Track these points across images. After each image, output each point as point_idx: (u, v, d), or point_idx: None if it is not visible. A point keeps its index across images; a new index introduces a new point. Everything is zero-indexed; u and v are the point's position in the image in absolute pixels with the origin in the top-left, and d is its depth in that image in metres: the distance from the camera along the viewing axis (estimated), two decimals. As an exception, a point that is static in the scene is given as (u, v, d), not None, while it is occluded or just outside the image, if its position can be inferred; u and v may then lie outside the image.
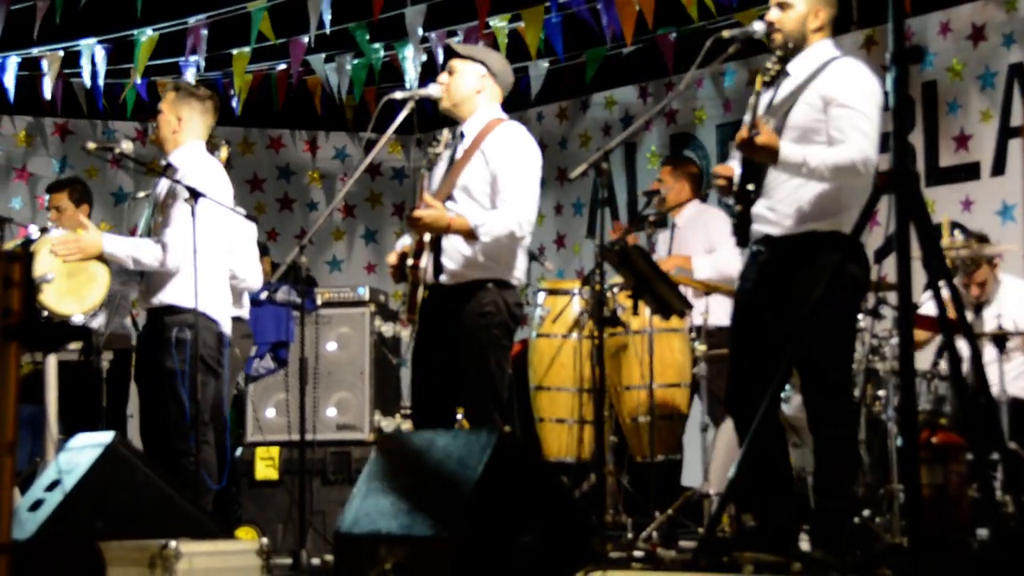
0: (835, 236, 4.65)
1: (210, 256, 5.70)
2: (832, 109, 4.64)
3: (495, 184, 5.26)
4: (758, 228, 4.82)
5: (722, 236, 7.01)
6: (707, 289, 6.81)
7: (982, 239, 6.94)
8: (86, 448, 4.88)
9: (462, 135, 5.47)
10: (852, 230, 4.09)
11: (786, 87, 4.85)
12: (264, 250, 6.90)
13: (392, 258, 5.44)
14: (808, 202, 4.70)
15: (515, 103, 10.63)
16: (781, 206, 4.76)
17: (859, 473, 4.79)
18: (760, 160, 4.71)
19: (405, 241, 5.48)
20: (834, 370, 4.66)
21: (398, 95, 5.51)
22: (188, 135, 5.91)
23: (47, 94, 9.89)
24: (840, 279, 4.52)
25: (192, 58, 9.62)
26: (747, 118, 4.69)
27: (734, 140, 4.65)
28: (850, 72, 4.71)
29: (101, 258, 5.77)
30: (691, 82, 5.38)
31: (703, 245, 7.25)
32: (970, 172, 8.37)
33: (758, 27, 4.87)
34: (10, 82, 9.90)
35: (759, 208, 4.79)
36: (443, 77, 5.49)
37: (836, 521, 4.68)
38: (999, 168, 8.24)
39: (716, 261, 7.10)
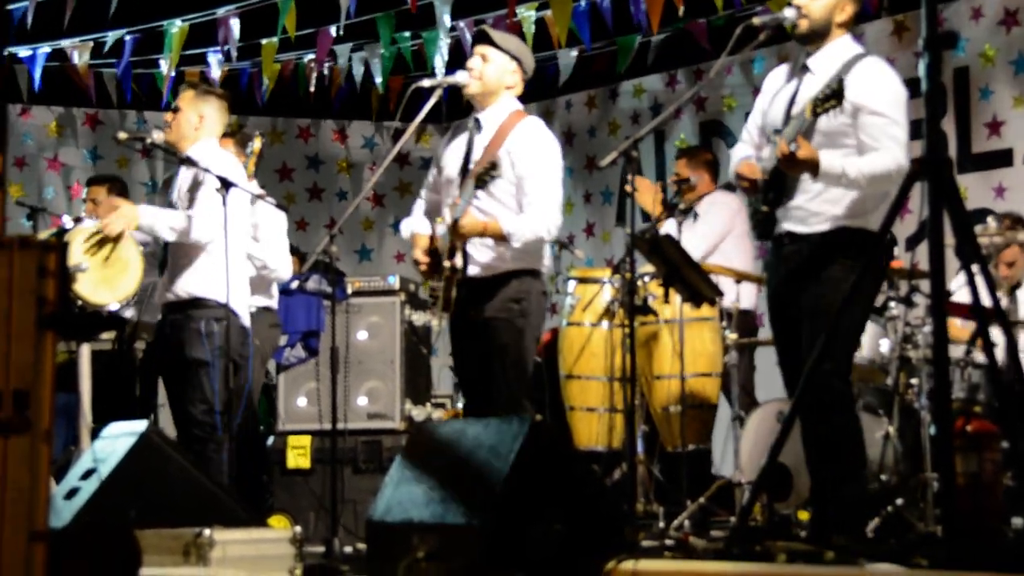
0: (862, 233, 4.65)
1: (232, 247, 5.71)
2: (863, 116, 4.64)
3: (521, 187, 5.31)
4: (786, 226, 4.82)
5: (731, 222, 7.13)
6: (738, 277, 6.80)
7: (1017, 220, 6.91)
8: (120, 437, 4.91)
9: (478, 124, 5.47)
10: (883, 223, 4.08)
11: (809, 85, 4.82)
12: (293, 250, 6.91)
13: (422, 255, 5.44)
14: (835, 202, 4.72)
15: (544, 91, 10.66)
16: (809, 204, 4.76)
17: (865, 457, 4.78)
18: (800, 173, 4.73)
19: (416, 230, 5.48)
20: (845, 359, 4.66)
21: (426, 83, 5.51)
22: (206, 132, 5.94)
23: (73, 83, 9.94)
24: (866, 276, 4.52)
25: (223, 49, 9.63)
26: (787, 132, 4.68)
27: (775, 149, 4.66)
28: (878, 76, 4.69)
29: (135, 249, 5.80)
30: (721, 69, 5.36)
31: (718, 231, 7.29)
32: (1003, 159, 8.32)
33: (789, 14, 4.85)
34: (40, 73, 9.95)
35: (793, 208, 4.79)
36: (474, 63, 5.47)
37: (855, 507, 4.68)
38: (1032, 155, 8.20)
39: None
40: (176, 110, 5.96)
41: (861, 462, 4.70)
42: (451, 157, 5.45)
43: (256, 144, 6.49)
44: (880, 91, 4.65)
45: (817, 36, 4.82)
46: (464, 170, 5.39)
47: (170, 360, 5.82)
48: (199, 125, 5.92)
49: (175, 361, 5.76)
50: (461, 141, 5.47)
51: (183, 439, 5.68)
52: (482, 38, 5.50)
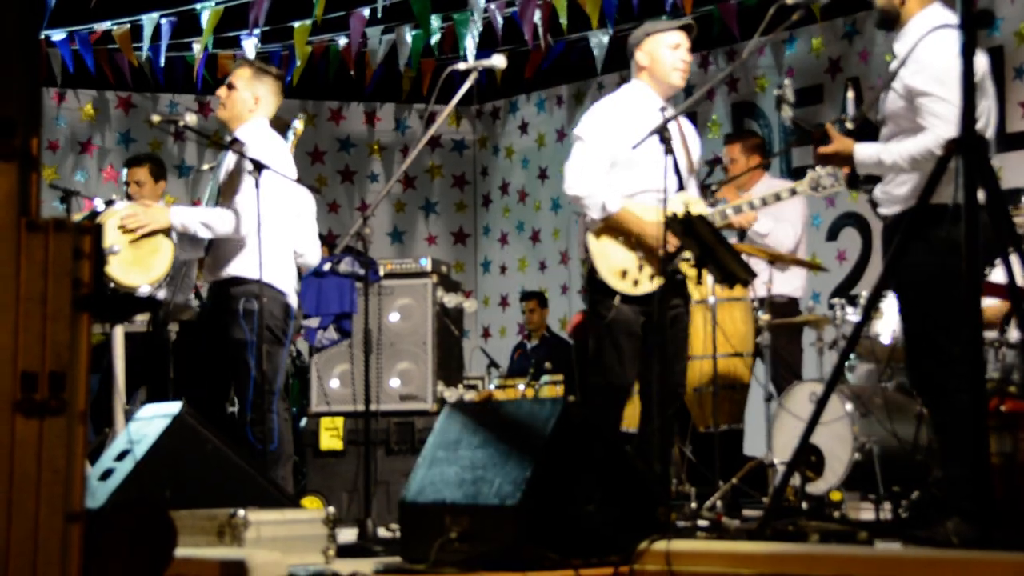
0: (934, 209, 4.60)
1: (275, 228, 5.74)
2: (916, 100, 4.61)
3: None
4: (880, 211, 4.84)
5: (786, 209, 7.12)
6: (771, 258, 6.79)
7: None
8: (155, 418, 4.94)
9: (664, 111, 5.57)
10: (920, 197, 4.06)
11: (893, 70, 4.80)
12: (322, 236, 6.93)
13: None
14: (902, 184, 4.70)
15: (576, 73, 10.64)
16: (887, 188, 4.76)
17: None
18: (839, 165, 4.89)
19: (630, 208, 5.51)
20: (946, 339, 4.58)
21: (461, 66, 5.51)
22: (260, 113, 5.95)
23: (112, 68, 9.98)
24: (945, 249, 4.48)
25: (254, 31, 9.65)
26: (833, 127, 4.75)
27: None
28: (927, 55, 4.63)
29: (167, 230, 5.83)
30: (754, 50, 5.36)
31: (803, 218, 7.38)
32: (1039, 138, 8.27)
33: (821, -5, 4.82)
34: (73, 57, 10.00)
35: (876, 192, 4.80)
36: (686, 56, 5.62)
37: (964, 489, 4.61)
38: (1069, 134, 8.14)
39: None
40: (231, 87, 5.94)
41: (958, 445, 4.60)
42: (646, 141, 5.31)
43: (299, 126, 6.49)
44: (926, 70, 4.60)
45: (891, 21, 4.77)
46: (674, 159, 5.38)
47: (213, 341, 5.85)
48: (254, 106, 5.93)
49: (218, 342, 5.80)
50: (639, 120, 5.42)
51: (227, 421, 5.73)
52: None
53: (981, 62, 4.62)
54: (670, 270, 5.24)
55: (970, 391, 3.76)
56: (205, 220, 5.73)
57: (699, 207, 5.41)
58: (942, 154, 3.91)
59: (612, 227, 5.56)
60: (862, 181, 4.96)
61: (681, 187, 5.50)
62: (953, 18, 4.70)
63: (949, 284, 4.47)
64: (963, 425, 4.56)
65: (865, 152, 4.69)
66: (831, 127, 4.76)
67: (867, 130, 4.77)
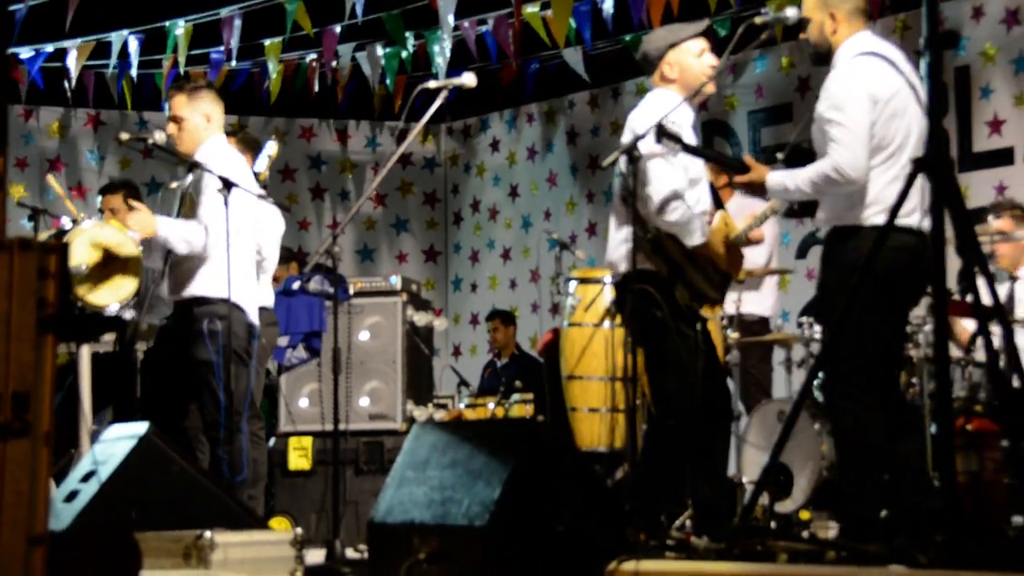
0: (848, 229, 4.66)
1: (239, 246, 5.70)
2: (823, 127, 4.66)
3: None
4: (818, 234, 4.91)
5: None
6: (744, 275, 6.82)
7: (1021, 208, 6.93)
8: (121, 439, 4.91)
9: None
10: (888, 216, 4.08)
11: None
12: (293, 253, 6.90)
13: None
14: (831, 204, 4.74)
15: (547, 91, 10.67)
16: (819, 211, 4.80)
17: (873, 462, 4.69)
18: (755, 193, 4.87)
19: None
20: (843, 357, 4.62)
21: (432, 84, 5.50)
22: (214, 129, 5.93)
23: (79, 86, 9.95)
24: (848, 269, 4.54)
25: (226, 49, 9.64)
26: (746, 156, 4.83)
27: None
28: (828, 85, 4.72)
29: (134, 250, 5.80)
30: (723, 69, 5.36)
31: (775, 235, 7.44)
32: (1004, 157, 8.33)
33: (791, 13, 4.84)
34: (42, 74, 9.96)
35: (818, 214, 4.84)
36: (713, 60, 5.36)
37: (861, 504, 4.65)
38: (1034, 153, 8.20)
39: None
40: (177, 120, 5.90)
41: (863, 467, 4.63)
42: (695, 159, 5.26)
43: (273, 150, 6.45)
44: (827, 98, 4.69)
45: (824, 55, 4.81)
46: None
47: (177, 361, 5.82)
48: (208, 125, 5.90)
49: (182, 362, 5.77)
50: (689, 133, 5.19)
51: (191, 441, 5.69)
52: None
53: (893, 82, 4.65)
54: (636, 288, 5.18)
55: (937, 410, 3.77)
56: (187, 237, 5.69)
57: (733, 225, 5.37)
58: (911, 169, 3.93)
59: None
60: (798, 211, 5.02)
61: (720, 205, 5.41)
62: (879, 44, 4.76)
63: (847, 300, 4.53)
64: (848, 443, 4.60)
65: (774, 179, 4.78)
66: (748, 157, 4.85)
67: (805, 159, 4.80)
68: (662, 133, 4.87)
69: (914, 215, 4.53)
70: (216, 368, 5.61)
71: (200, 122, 5.87)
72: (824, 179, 4.62)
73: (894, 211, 3.99)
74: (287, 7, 9.21)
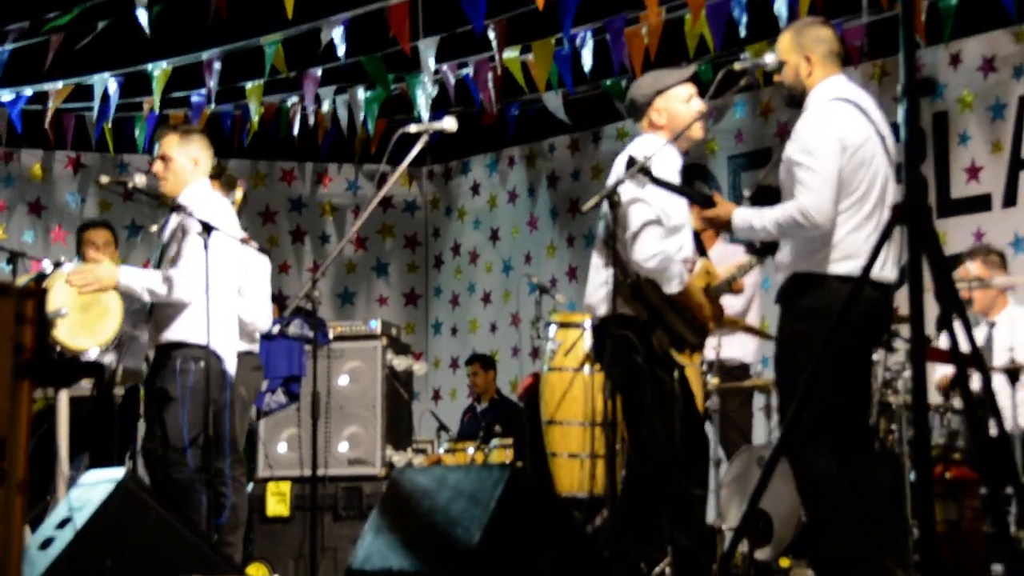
0: (808, 276, 4.68)
1: (219, 292, 5.68)
2: (792, 169, 4.69)
3: None
4: (777, 276, 4.90)
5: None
6: (723, 323, 6.81)
7: (1000, 255, 6.97)
8: (97, 485, 4.88)
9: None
10: (864, 265, 4.10)
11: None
12: (274, 297, 6.88)
13: None
14: (792, 248, 4.76)
15: (527, 135, 10.70)
16: (781, 254, 4.82)
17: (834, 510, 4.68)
18: (721, 229, 4.95)
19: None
20: (800, 405, 4.63)
21: (412, 128, 5.51)
22: (200, 173, 5.92)
23: (56, 126, 9.96)
24: (806, 316, 4.56)
25: (207, 92, 9.66)
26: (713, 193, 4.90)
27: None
28: (799, 128, 4.75)
29: (115, 293, 5.78)
30: (705, 113, 5.38)
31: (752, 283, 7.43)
32: (982, 204, 8.37)
33: (770, 59, 4.87)
34: (22, 117, 9.96)
35: (778, 256, 4.86)
36: (700, 106, 5.36)
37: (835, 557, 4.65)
38: (1011, 199, 8.24)
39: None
40: (166, 159, 5.90)
41: (827, 515, 4.63)
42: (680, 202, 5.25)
43: (238, 194, 6.46)
44: (797, 142, 4.72)
45: (798, 98, 4.85)
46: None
47: (149, 398, 5.81)
48: (194, 168, 5.89)
49: (152, 397, 5.75)
50: (676, 178, 5.22)
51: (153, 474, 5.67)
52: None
53: (863, 130, 4.69)
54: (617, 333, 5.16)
55: (916, 458, 3.77)
56: (149, 286, 5.66)
57: (715, 273, 5.37)
58: (889, 218, 3.95)
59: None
60: (759, 250, 5.02)
61: (703, 253, 5.41)
62: (852, 90, 4.80)
63: (805, 349, 4.56)
64: (808, 489, 4.60)
65: (740, 216, 4.80)
66: (717, 194, 4.90)
67: (771, 199, 4.83)
68: (632, 165, 4.90)
69: (873, 266, 4.57)
70: (177, 405, 5.58)
71: (187, 164, 5.86)
72: (790, 221, 4.64)
73: (869, 263, 3.99)
74: (266, 49, 9.23)
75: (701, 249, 5.36)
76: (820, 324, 4.57)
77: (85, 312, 5.76)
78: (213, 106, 9.96)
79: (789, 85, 4.86)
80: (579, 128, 10.59)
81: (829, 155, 4.61)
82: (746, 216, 4.78)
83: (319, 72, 9.59)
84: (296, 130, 10.23)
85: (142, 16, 8.89)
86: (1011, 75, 8.31)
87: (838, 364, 4.53)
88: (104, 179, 6.05)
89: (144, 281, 5.69)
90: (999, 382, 6.11)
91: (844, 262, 4.62)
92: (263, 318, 6.46)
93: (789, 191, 4.71)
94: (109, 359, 6.66)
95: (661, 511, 5.06)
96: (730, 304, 7.25)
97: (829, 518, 4.54)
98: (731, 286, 5.40)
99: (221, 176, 6.73)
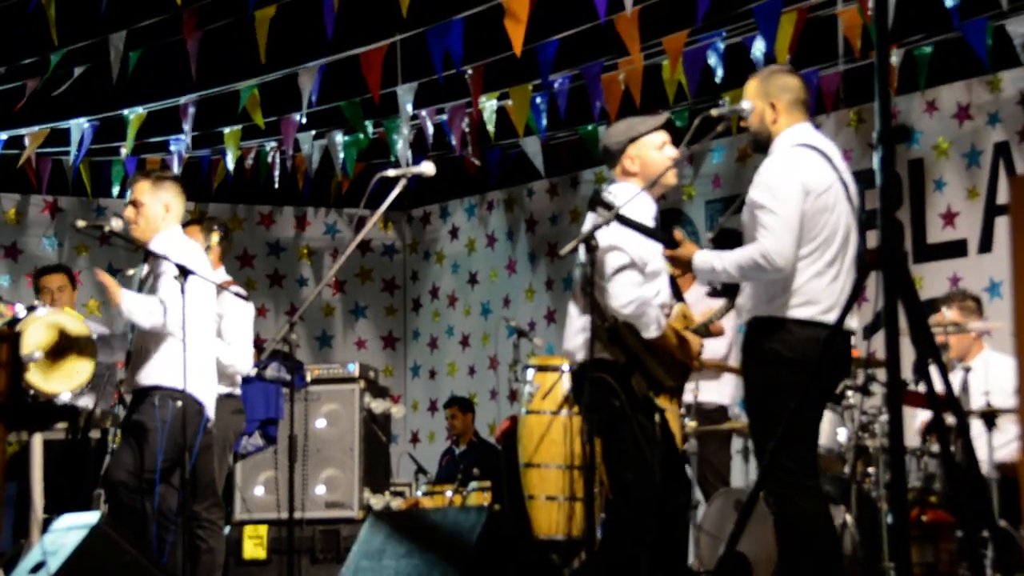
0: (769, 321, 4.71)
1: (196, 336, 5.66)
2: (754, 212, 4.72)
3: None
4: (737, 320, 4.93)
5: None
6: (701, 366, 6.82)
7: (975, 300, 7.02)
8: (71, 529, 4.85)
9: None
10: (840, 313, 4.12)
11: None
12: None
13: None
14: (752, 292, 4.78)
15: (506, 179, 10.74)
16: (742, 298, 4.85)
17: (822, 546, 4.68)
18: (682, 269, 4.95)
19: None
20: (766, 444, 4.66)
21: (391, 172, 5.53)
22: (172, 220, 5.93)
23: (32, 171, 9.97)
24: (770, 360, 4.58)
25: (185, 137, 9.67)
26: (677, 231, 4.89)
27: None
28: (763, 171, 4.79)
29: (88, 339, 5.77)
30: (682, 160, 5.40)
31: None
32: (957, 249, 8.43)
33: (746, 105, 4.91)
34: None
35: (738, 300, 4.89)
36: (673, 152, 5.34)
37: None
38: (986, 245, 8.29)
39: None
40: (137, 204, 5.90)
41: (815, 556, 4.63)
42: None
43: (214, 239, 6.46)
44: (760, 185, 4.75)
45: (764, 144, 4.89)
46: None
47: (124, 433, 5.79)
48: (166, 214, 5.90)
49: (125, 432, 5.73)
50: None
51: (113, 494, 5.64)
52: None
53: (826, 176, 4.73)
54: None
55: (893, 501, 3.78)
56: (150, 308, 5.65)
57: (692, 317, 5.38)
58: (864, 263, 3.97)
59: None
60: (719, 292, 5.07)
61: (680, 298, 5.42)
62: (816, 137, 4.85)
63: (770, 395, 4.59)
64: (797, 533, 4.60)
65: (701, 258, 4.81)
66: (680, 233, 4.90)
67: (733, 242, 4.86)
68: (596, 201, 4.90)
69: (833, 312, 4.62)
70: (154, 435, 5.56)
71: (159, 211, 5.87)
72: (751, 264, 4.66)
73: (845, 310, 4.01)
74: (242, 94, 9.24)
75: (677, 293, 5.38)
76: (782, 369, 4.61)
77: (59, 356, 5.74)
78: (190, 152, 9.97)
79: (755, 131, 4.90)
80: (558, 173, 10.63)
81: (792, 199, 4.65)
82: (707, 258, 4.80)
83: (297, 117, 9.61)
84: (276, 174, 10.25)
85: (115, 63, 8.89)
86: (986, 122, 8.39)
87: (807, 405, 4.55)
88: (80, 223, 6.05)
89: (144, 303, 5.66)
90: (975, 427, 6.14)
91: (804, 307, 4.65)
92: (244, 362, 6.45)
93: (751, 234, 4.74)
94: (84, 403, 6.62)
95: (641, 555, 5.05)
96: (712, 348, 7.27)
97: (821, 568, 4.54)
98: (708, 329, 5.42)
99: (201, 222, 6.73)
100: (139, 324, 5.70)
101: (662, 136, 5.32)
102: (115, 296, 5.67)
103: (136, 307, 5.66)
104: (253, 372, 6.95)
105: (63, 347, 5.74)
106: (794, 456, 4.53)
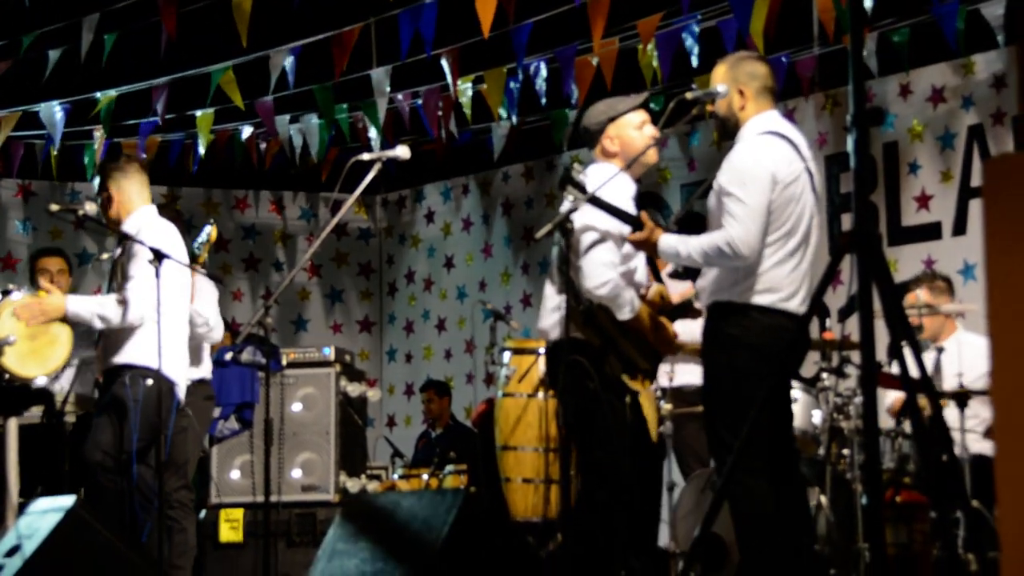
0: (730, 306, 4.73)
1: (170, 318, 5.67)
2: (721, 199, 4.73)
3: None
4: (696, 304, 4.95)
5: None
6: (679, 349, 6.84)
7: (946, 281, 7.06)
8: (47, 512, 4.84)
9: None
10: (813, 296, 4.14)
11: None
12: (226, 324, 6.85)
13: None
14: (712, 278, 4.80)
15: (481, 163, 10.73)
16: (703, 280, 4.87)
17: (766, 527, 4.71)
18: (647, 252, 4.97)
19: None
20: (722, 429, 4.69)
21: (365, 156, 5.52)
22: (141, 202, 5.95)
23: (4, 154, 9.90)
24: (730, 345, 4.62)
25: (157, 119, 9.62)
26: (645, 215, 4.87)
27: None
28: (731, 158, 4.80)
29: (64, 319, 5.75)
30: (661, 142, 5.41)
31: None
32: (932, 232, 8.46)
33: (721, 89, 4.91)
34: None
35: (698, 283, 4.91)
36: (653, 131, 5.32)
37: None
38: (960, 228, 8.33)
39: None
40: (104, 190, 5.94)
41: (757, 536, 4.66)
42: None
43: (212, 233, 6.44)
44: (728, 171, 4.76)
45: (731, 131, 4.90)
46: None
47: (97, 412, 5.78)
48: (135, 198, 5.93)
49: (99, 411, 5.73)
50: (629, 206, 5.15)
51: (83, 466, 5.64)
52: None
53: (794, 166, 4.74)
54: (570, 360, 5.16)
55: (867, 482, 3.80)
56: (100, 312, 5.66)
57: (669, 298, 5.39)
58: (838, 245, 3.99)
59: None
60: (681, 273, 5.08)
61: (658, 278, 5.42)
62: (784, 126, 4.86)
63: (730, 378, 4.62)
64: (740, 513, 4.64)
65: (667, 242, 4.82)
66: (646, 215, 4.87)
67: (697, 226, 4.87)
68: (566, 181, 4.89)
69: (794, 300, 4.67)
70: (128, 413, 5.55)
71: (124, 200, 5.90)
72: (715, 251, 4.68)
73: (817, 296, 4.02)
74: (213, 77, 9.20)
75: (656, 274, 5.38)
76: (742, 352, 4.63)
77: (34, 340, 5.72)
78: (162, 135, 9.93)
79: (722, 116, 4.91)
80: (533, 156, 10.63)
81: (760, 187, 4.66)
82: (672, 242, 4.80)
83: (270, 100, 9.57)
84: (254, 157, 10.22)
85: (86, 43, 8.84)
86: (960, 105, 8.42)
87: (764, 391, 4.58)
88: (54, 207, 6.05)
89: (94, 308, 5.68)
90: (948, 407, 6.17)
91: (766, 294, 4.68)
92: (219, 329, 6.42)
93: (717, 219, 4.75)
94: (61, 385, 6.61)
95: (614, 536, 5.07)
96: (690, 330, 7.27)
97: (762, 548, 4.57)
98: (688, 311, 5.43)
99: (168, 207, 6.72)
100: (92, 327, 5.71)
101: (641, 115, 5.33)
102: (60, 309, 5.67)
103: (85, 311, 5.66)
104: (228, 356, 6.94)
105: (38, 332, 5.72)
106: (753, 443, 4.56)
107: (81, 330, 6.09)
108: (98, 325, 5.70)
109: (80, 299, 5.80)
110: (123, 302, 5.65)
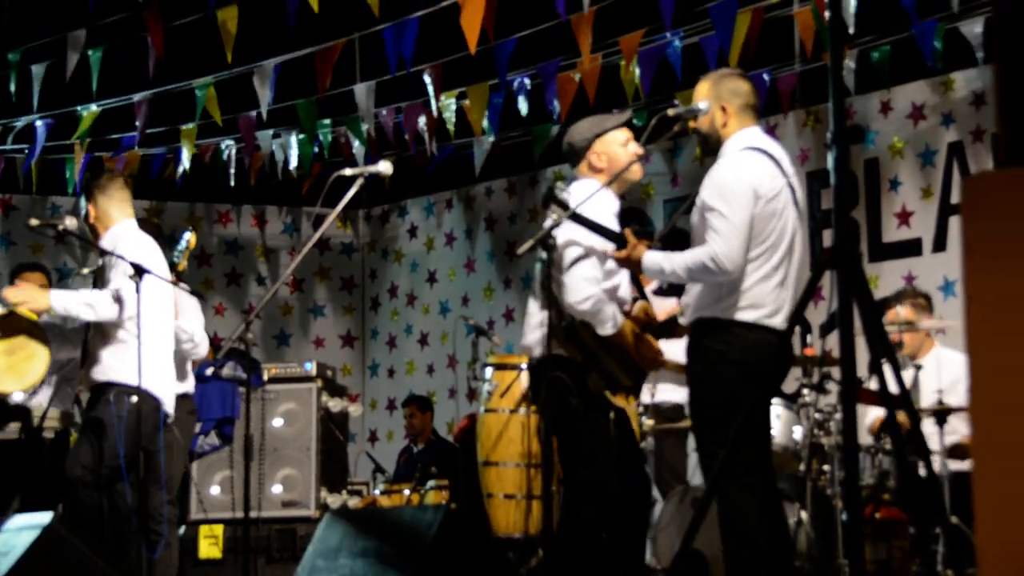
0: (714, 322, 4.73)
1: (153, 333, 5.66)
2: (704, 214, 4.74)
3: None
4: (680, 320, 4.96)
5: None
6: (662, 366, 6.84)
7: (926, 297, 7.08)
8: (23, 530, 4.81)
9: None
10: (793, 311, 4.15)
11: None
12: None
13: None
14: (696, 294, 4.81)
15: (464, 178, 10.74)
16: (687, 297, 4.87)
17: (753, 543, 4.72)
18: (631, 269, 4.96)
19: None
20: (712, 444, 4.69)
21: (348, 171, 5.52)
22: (122, 215, 5.95)
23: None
24: (713, 359, 4.64)
25: (139, 134, 9.61)
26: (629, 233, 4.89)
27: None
28: (713, 174, 4.81)
29: (42, 337, 5.74)
30: (645, 157, 5.41)
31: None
32: (912, 248, 8.49)
33: (703, 106, 4.92)
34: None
35: (683, 299, 4.92)
36: (637, 148, 5.35)
37: None
38: (940, 244, 8.36)
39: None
40: (88, 205, 5.95)
41: (744, 550, 4.67)
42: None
43: (191, 240, 6.43)
44: (710, 187, 4.77)
45: (713, 147, 4.91)
46: None
47: (82, 430, 5.77)
48: (115, 213, 5.94)
49: (83, 429, 5.71)
50: (613, 223, 5.19)
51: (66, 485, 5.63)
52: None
53: (776, 181, 4.75)
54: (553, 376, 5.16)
55: (847, 498, 3.80)
56: (88, 301, 5.64)
57: (653, 314, 5.39)
58: (819, 261, 4.00)
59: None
60: (666, 290, 5.09)
61: (642, 295, 5.42)
62: (767, 142, 4.88)
63: (714, 394, 4.63)
64: (732, 532, 4.64)
65: (651, 259, 4.83)
66: (630, 232, 4.87)
67: (681, 242, 4.88)
68: (550, 198, 4.90)
69: (777, 316, 4.67)
70: (112, 432, 5.54)
71: (104, 216, 5.91)
72: (699, 267, 4.68)
73: (798, 311, 4.03)
74: (197, 93, 9.20)
75: (640, 290, 5.39)
76: (726, 368, 4.64)
77: (11, 355, 5.70)
78: (144, 149, 9.92)
79: (704, 133, 4.92)
80: (516, 171, 10.63)
81: (742, 203, 4.67)
82: (656, 259, 4.81)
83: (253, 115, 9.57)
84: (233, 170, 10.21)
85: (72, 61, 8.83)
86: (940, 122, 8.46)
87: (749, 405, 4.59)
88: (34, 221, 6.05)
89: (80, 297, 5.66)
90: (927, 424, 6.18)
91: (749, 311, 4.69)
92: (204, 344, 6.41)
93: (700, 235, 4.76)
94: (39, 400, 6.58)
95: (600, 554, 5.06)
96: (675, 349, 7.26)
97: (750, 563, 4.58)
98: (673, 329, 5.42)
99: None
100: (82, 318, 5.69)
101: (626, 133, 5.35)
102: (44, 302, 5.66)
103: (71, 303, 5.65)
104: (209, 371, 6.92)
105: (15, 347, 5.71)
106: (743, 458, 4.57)
107: (69, 327, 6.08)
108: (87, 315, 5.66)
109: (65, 293, 5.78)
110: (118, 300, 5.63)
